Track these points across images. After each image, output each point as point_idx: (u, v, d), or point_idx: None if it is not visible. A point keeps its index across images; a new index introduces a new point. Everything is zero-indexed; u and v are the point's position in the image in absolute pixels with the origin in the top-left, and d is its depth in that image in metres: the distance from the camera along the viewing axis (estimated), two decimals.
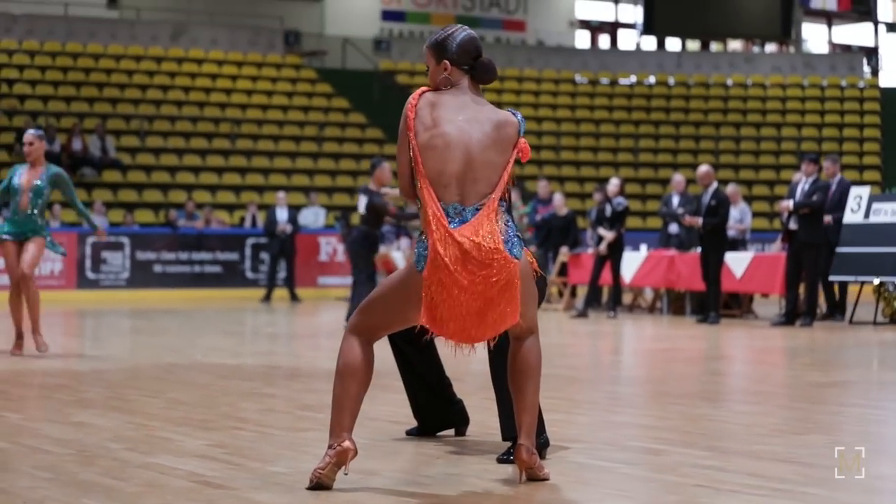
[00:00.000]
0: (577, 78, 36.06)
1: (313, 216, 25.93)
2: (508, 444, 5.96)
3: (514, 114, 5.32)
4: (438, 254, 5.10)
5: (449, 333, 5.23)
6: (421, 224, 5.24)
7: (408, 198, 5.32)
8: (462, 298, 5.13)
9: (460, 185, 5.18)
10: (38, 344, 11.33)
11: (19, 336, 11.42)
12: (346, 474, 5.27)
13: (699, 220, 17.12)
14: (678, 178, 19.57)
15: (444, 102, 5.26)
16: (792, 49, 41.50)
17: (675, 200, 19.19)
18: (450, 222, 5.13)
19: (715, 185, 17.25)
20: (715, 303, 17.00)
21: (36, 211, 11.32)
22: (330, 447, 5.25)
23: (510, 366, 5.44)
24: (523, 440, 5.32)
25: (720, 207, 16.95)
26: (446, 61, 5.34)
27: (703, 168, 17.60)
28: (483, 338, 5.26)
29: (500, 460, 5.85)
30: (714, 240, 17.02)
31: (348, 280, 19.63)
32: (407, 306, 5.27)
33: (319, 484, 5.20)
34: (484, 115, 5.26)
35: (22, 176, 11.36)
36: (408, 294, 5.25)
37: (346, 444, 5.22)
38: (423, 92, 5.31)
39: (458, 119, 5.22)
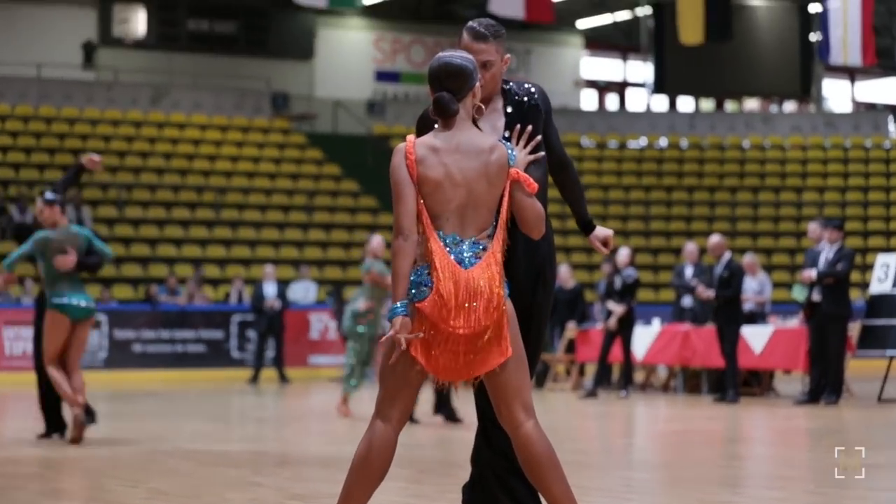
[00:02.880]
0: (584, 141, 36.23)
1: (303, 291, 25.96)
2: None
3: (504, 143, 5.42)
4: (440, 291, 5.18)
5: (439, 370, 5.29)
6: (421, 256, 5.30)
7: (412, 234, 5.29)
8: (453, 340, 5.21)
9: (459, 219, 5.31)
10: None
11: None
12: None
13: (712, 293, 17.19)
14: (691, 247, 19.63)
15: (440, 143, 5.34)
16: (812, 107, 41.70)
17: (689, 271, 19.23)
18: (449, 252, 5.24)
19: (728, 255, 17.32)
20: (733, 380, 17.01)
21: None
22: None
23: (524, 467, 5.45)
24: None
25: (733, 279, 17.02)
26: (430, 91, 5.46)
27: (715, 238, 17.68)
28: (472, 374, 5.30)
29: None
30: (728, 313, 17.08)
31: (341, 359, 19.62)
32: (410, 349, 5.28)
33: None
34: (473, 145, 5.35)
35: None
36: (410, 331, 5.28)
37: None
38: (415, 140, 5.36)
39: (456, 155, 5.32)
